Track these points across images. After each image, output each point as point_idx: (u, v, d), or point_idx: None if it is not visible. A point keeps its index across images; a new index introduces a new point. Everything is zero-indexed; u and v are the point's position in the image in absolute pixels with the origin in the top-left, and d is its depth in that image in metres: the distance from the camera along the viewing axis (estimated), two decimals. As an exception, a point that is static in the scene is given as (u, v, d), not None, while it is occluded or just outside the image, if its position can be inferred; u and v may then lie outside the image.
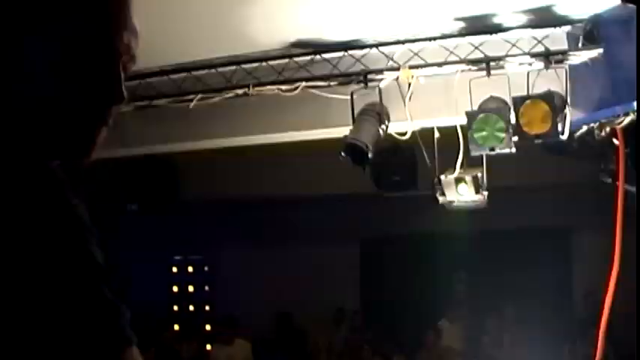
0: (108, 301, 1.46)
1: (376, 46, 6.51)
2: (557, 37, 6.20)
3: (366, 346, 11.57)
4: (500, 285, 10.67)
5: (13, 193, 1.42)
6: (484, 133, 6.10)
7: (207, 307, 12.21)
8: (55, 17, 1.51)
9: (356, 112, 6.41)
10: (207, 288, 12.22)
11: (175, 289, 11.48)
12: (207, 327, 11.91)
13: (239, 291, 11.70)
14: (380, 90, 6.46)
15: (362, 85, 6.51)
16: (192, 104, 6.75)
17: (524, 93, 6.11)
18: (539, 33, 6.21)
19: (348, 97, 6.44)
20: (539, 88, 6.12)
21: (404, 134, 6.51)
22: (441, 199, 6.58)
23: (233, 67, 6.73)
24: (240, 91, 6.69)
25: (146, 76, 6.85)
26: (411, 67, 6.42)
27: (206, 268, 12.20)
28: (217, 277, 12.19)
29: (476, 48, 6.33)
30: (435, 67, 6.44)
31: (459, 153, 6.42)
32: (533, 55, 6.22)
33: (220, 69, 6.75)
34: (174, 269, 11.41)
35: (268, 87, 6.67)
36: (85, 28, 1.53)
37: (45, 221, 1.43)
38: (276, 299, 12.05)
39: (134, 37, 1.64)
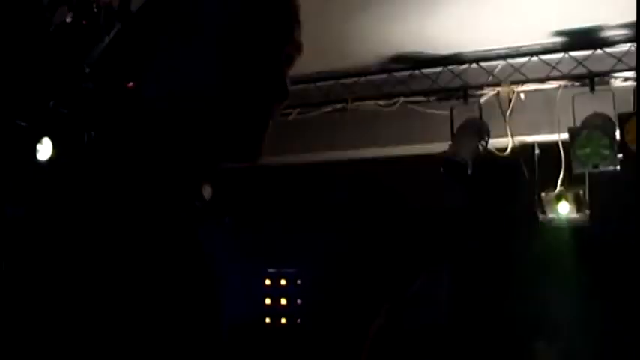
0: None
1: (476, 61, 6.42)
2: (664, 52, 5.94)
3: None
4: (602, 307, 10.28)
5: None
6: (587, 150, 5.94)
7: (298, 321, 12.28)
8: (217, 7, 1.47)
9: (455, 127, 6.37)
10: (299, 301, 12.31)
11: (268, 301, 11.61)
12: (298, 340, 12.03)
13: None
14: (480, 105, 6.39)
15: (462, 100, 6.47)
16: (290, 117, 6.88)
17: (630, 109, 5.92)
18: (647, 48, 5.97)
19: (447, 112, 6.41)
20: (646, 105, 5.92)
21: (504, 150, 6.42)
22: (541, 216, 6.44)
23: (331, 82, 6.80)
24: (338, 106, 6.78)
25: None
26: (511, 83, 6.33)
27: (299, 282, 12.28)
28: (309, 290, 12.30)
29: (579, 63, 6.16)
30: (537, 83, 6.32)
31: (560, 170, 6.28)
32: (640, 70, 6.02)
33: (319, 83, 6.83)
34: (268, 282, 11.53)
35: (367, 102, 6.74)
36: (254, 17, 1.48)
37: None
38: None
39: (300, 29, 1.58)
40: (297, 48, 1.57)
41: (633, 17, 5.62)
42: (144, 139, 1.43)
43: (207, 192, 1.55)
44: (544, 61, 6.26)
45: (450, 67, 6.51)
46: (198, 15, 1.47)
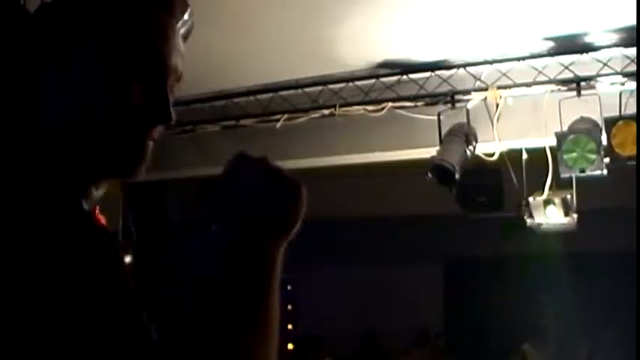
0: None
1: (464, 66, 6.44)
2: (651, 56, 5.97)
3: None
4: (589, 311, 10.29)
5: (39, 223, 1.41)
6: (574, 154, 5.96)
7: (290, 327, 12.26)
8: (98, 35, 1.57)
9: (443, 132, 6.39)
10: (290, 307, 12.27)
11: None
12: (290, 346, 11.99)
13: (322, 310, 11.76)
14: (467, 111, 6.41)
15: (449, 105, 6.50)
16: (278, 124, 6.92)
17: (616, 113, 5.95)
18: (632, 52, 5.99)
19: (435, 118, 6.43)
20: (632, 109, 5.94)
21: (491, 155, 6.43)
22: (528, 221, 6.45)
23: (319, 88, 6.81)
24: (326, 112, 6.80)
25: (233, 97, 7.06)
26: (498, 88, 6.35)
27: (289, 287, 12.23)
28: (301, 297, 12.28)
29: (566, 68, 6.18)
30: (524, 88, 6.34)
31: (547, 174, 6.30)
32: (626, 75, 6.04)
33: (306, 89, 6.84)
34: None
35: (355, 107, 6.76)
36: (132, 44, 1.57)
37: (66, 249, 1.38)
38: (359, 320, 12.05)
39: (181, 58, 1.66)
40: (178, 78, 1.67)
41: (619, 22, 5.67)
42: (33, 157, 1.56)
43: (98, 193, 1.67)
44: (531, 66, 6.28)
45: (438, 72, 6.52)
46: (77, 45, 1.58)
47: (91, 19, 1.58)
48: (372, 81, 6.68)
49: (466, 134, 6.32)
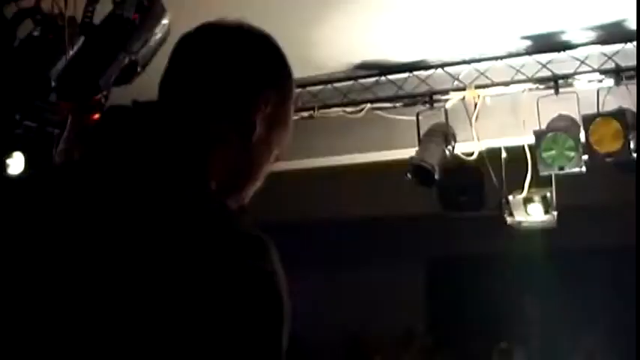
0: None
1: (442, 66, 6.45)
2: (628, 53, 5.97)
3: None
4: (571, 308, 10.31)
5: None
6: (553, 152, 5.98)
7: None
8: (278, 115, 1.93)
9: (422, 133, 6.41)
10: None
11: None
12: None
13: (307, 313, 11.75)
14: (446, 110, 6.42)
15: (428, 106, 6.51)
16: (257, 127, 6.88)
17: (594, 111, 5.97)
18: (609, 49, 6.03)
19: (414, 118, 6.45)
20: (610, 106, 5.97)
21: (471, 155, 6.45)
22: (509, 219, 6.47)
23: (298, 90, 6.76)
24: (305, 114, 6.78)
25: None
26: (477, 87, 6.37)
27: None
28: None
29: (543, 66, 6.21)
30: (502, 87, 6.36)
31: (526, 173, 6.32)
32: (603, 72, 6.07)
33: (285, 91, 6.79)
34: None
35: (333, 109, 6.77)
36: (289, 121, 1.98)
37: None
38: (343, 321, 12.03)
39: None
40: None
41: (596, 19, 5.69)
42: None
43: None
44: (509, 65, 6.31)
45: (416, 72, 6.54)
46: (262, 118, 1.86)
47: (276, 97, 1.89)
48: (350, 82, 6.70)
49: (445, 134, 6.34)
